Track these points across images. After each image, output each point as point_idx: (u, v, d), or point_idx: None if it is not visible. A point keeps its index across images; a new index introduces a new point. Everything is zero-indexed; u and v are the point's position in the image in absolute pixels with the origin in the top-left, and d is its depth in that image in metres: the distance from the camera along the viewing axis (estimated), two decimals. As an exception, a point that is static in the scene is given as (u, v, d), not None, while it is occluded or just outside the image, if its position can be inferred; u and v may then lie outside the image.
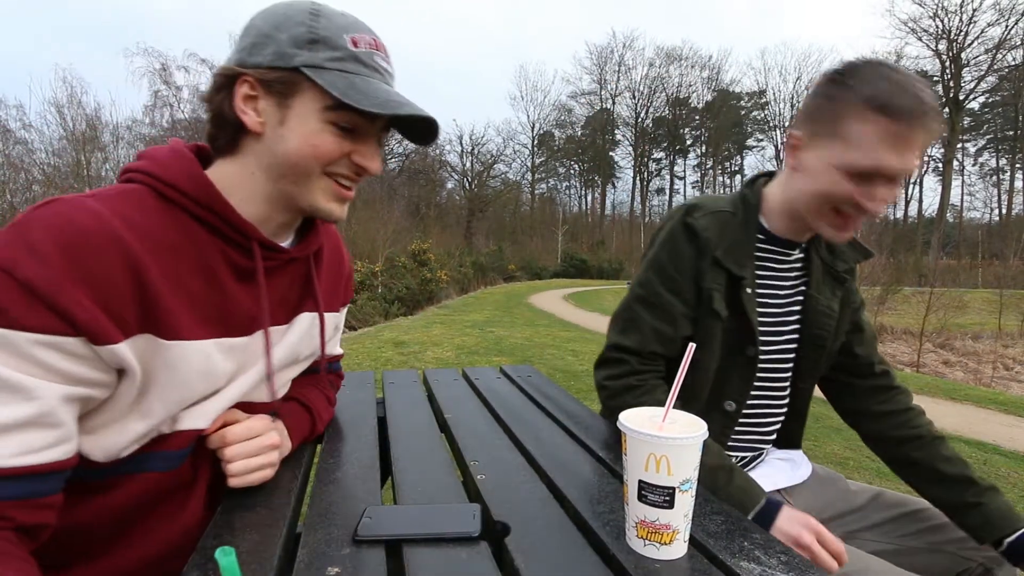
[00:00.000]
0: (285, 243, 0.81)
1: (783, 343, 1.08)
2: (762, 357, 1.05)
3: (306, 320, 0.86)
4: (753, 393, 1.07)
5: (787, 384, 1.12)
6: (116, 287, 0.60)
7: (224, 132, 0.71)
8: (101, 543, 0.70)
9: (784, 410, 1.14)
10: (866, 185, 0.89)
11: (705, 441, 0.63)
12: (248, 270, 0.74)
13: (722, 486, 0.89)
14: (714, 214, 1.04)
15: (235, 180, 0.72)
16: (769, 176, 1.10)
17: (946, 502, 1.01)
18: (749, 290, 1.02)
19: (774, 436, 1.16)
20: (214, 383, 0.73)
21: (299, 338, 0.85)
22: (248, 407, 0.80)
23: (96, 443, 0.65)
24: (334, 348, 1.08)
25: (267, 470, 0.77)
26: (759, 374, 1.06)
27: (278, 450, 0.79)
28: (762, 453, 1.14)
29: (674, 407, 0.67)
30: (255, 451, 0.75)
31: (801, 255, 1.10)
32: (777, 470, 1.12)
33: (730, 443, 1.09)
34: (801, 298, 1.09)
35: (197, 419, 0.72)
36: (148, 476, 0.70)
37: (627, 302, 1.08)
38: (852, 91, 0.88)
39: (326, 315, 0.90)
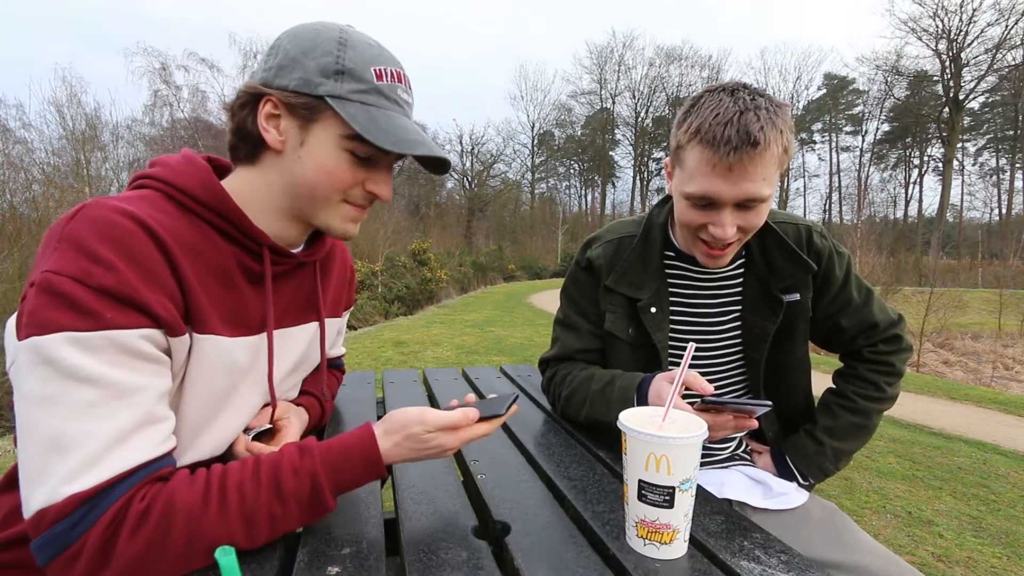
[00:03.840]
0: (296, 249, 0.82)
1: (718, 355, 1.09)
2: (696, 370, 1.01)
3: (313, 327, 0.90)
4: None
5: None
6: (167, 284, 0.62)
7: (245, 144, 0.73)
8: None
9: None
10: (712, 211, 0.90)
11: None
12: (259, 274, 0.76)
13: (612, 399, 0.96)
14: (609, 243, 1.13)
15: (253, 190, 0.74)
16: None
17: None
18: (654, 309, 1.06)
19: (726, 447, 1.13)
20: (234, 379, 0.74)
21: (308, 343, 0.89)
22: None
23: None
24: (338, 349, 1.13)
25: None
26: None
27: None
28: (731, 462, 1.12)
29: None
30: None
31: (740, 272, 1.08)
32: (740, 484, 1.05)
33: None
34: (738, 315, 1.08)
35: (203, 447, 0.72)
36: None
37: (553, 324, 1.23)
38: (688, 122, 0.89)
39: (329, 320, 0.94)
